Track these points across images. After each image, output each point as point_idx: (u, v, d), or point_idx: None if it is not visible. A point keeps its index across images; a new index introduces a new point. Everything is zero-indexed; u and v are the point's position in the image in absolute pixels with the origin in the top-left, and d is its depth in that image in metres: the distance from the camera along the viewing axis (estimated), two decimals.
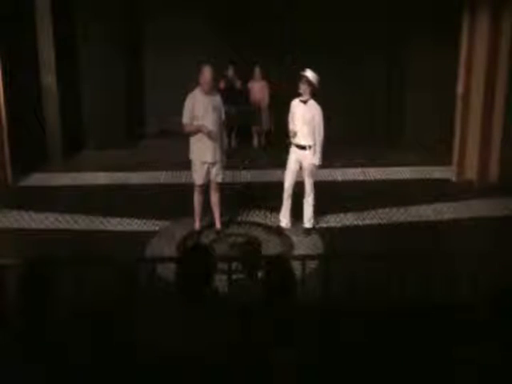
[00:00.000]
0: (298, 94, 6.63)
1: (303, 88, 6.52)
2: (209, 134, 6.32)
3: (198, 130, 6.34)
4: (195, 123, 6.34)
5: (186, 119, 6.38)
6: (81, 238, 6.63)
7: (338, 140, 9.27)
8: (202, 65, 6.37)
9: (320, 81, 6.52)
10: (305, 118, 6.57)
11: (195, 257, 3.01)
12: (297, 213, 6.90)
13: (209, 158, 6.44)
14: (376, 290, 4.46)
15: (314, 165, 6.65)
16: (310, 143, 6.61)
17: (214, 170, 6.54)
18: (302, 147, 6.64)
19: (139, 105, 11.35)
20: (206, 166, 6.47)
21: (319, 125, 6.58)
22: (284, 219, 6.93)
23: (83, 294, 4.19)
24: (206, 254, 3.06)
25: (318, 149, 6.60)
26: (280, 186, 7.61)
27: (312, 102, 6.60)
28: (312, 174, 6.70)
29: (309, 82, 6.48)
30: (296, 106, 6.66)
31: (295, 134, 6.61)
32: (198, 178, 6.53)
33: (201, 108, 6.31)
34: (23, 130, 8.66)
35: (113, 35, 10.16)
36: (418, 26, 9.68)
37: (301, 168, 6.72)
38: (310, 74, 6.49)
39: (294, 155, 6.71)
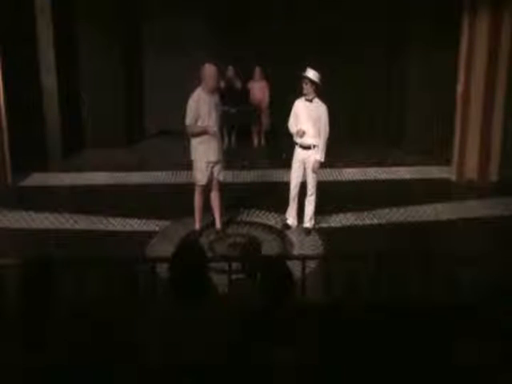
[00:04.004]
0: (302, 94, 6.61)
1: (306, 88, 6.49)
2: (214, 134, 6.32)
3: (204, 132, 6.32)
4: (199, 123, 6.31)
5: (189, 120, 6.31)
6: (81, 238, 6.63)
7: (338, 140, 9.29)
8: (206, 63, 6.36)
9: (321, 77, 6.50)
10: (311, 118, 6.54)
11: (186, 254, 3.00)
12: (298, 213, 6.91)
13: (213, 158, 6.43)
14: (376, 289, 4.46)
15: (318, 161, 6.61)
16: (315, 143, 6.59)
17: (216, 169, 6.54)
18: (307, 147, 6.62)
19: (139, 105, 11.36)
20: (210, 165, 6.47)
21: (325, 124, 6.57)
22: (290, 218, 6.94)
23: (83, 294, 4.19)
24: (197, 250, 3.05)
25: (322, 146, 6.59)
26: (280, 185, 7.63)
27: (318, 101, 6.57)
28: (316, 171, 6.66)
29: (311, 81, 6.46)
30: (301, 105, 6.60)
31: (304, 134, 6.56)
32: (202, 177, 6.51)
33: (205, 108, 6.28)
34: (23, 130, 8.66)
35: (113, 35, 10.17)
36: (418, 25, 9.68)
37: (305, 168, 6.71)
38: (311, 73, 6.45)
39: (299, 155, 6.69)
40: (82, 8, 9.87)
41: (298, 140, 6.65)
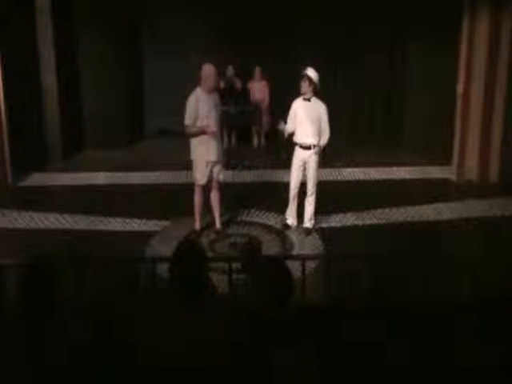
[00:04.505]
0: (300, 93, 6.61)
1: (304, 86, 6.49)
2: (213, 134, 6.32)
3: (202, 131, 6.32)
4: (199, 123, 6.32)
5: (188, 120, 6.33)
6: (81, 237, 6.63)
7: (338, 140, 9.28)
8: (204, 63, 6.37)
9: (320, 79, 6.51)
10: (310, 117, 6.53)
11: (186, 254, 3.00)
12: (297, 213, 6.91)
13: (213, 157, 6.44)
14: (376, 289, 4.46)
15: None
16: (315, 143, 6.59)
17: (216, 169, 6.54)
18: (307, 147, 6.62)
19: (139, 105, 11.35)
20: (209, 165, 6.48)
21: (325, 123, 6.57)
22: (290, 218, 6.94)
23: (83, 294, 4.19)
24: (197, 250, 3.06)
25: (323, 144, 6.61)
26: (280, 185, 7.62)
27: (317, 100, 6.57)
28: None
29: (310, 80, 6.46)
30: (299, 105, 6.59)
31: (289, 134, 6.55)
32: (201, 177, 6.52)
33: (204, 107, 6.29)
34: (23, 130, 8.66)
35: (113, 35, 10.17)
36: (418, 25, 9.68)
37: (305, 169, 6.71)
38: (311, 72, 6.46)
39: (299, 155, 6.69)
40: (82, 8, 9.87)
41: (297, 140, 6.65)
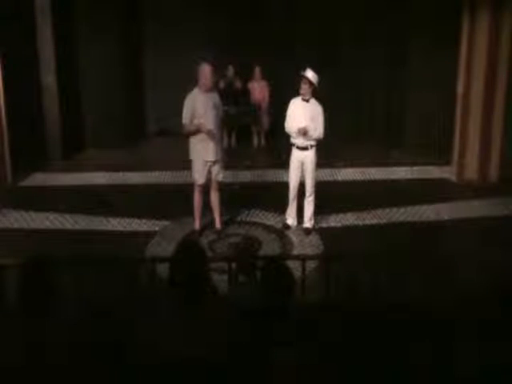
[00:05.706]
0: (299, 93, 6.61)
1: (304, 88, 6.51)
2: (208, 133, 6.32)
3: (197, 130, 6.33)
4: (195, 122, 6.34)
5: (185, 119, 6.36)
6: (81, 238, 6.63)
7: (338, 140, 9.30)
8: (201, 63, 6.39)
9: (320, 81, 6.52)
10: (307, 118, 6.54)
11: (186, 254, 3.01)
12: (297, 213, 6.92)
13: (210, 157, 6.44)
14: (375, 290, 4.46)
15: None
16: (312, 143, 6.61)
17: (214, 169, 6.55)
18: (304, 148, 6.63)
19: (139, 105, 11.35)
20: (208, 164, 6.48)
21: (320, 125, 6.57)
22: (290, 218, 6.95)
23: (83, 294, 4.19)
24: (197, 250, 3.06)
25: (315, 137, 6.57)
26: (280, 185, 7.62)
27: (314, 101, 6.59)
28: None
29: (310, 82, 6.47)
30: (297, 104, 6.61)
31: (306, 131, 6.48)
32: (199, 177, 6.53)
33: (201, 107, 6.31)
34: (23, 130, 8.66)
35: (113, 35, 10.16)
36: (418, 25, 9.67)
37: (303, 169, 6.70)
38: (310, 74, 6.47)
39: (296, 156, 6.70)
40: (81, 8, 9.87)
41: (294, 141, 6.65)
